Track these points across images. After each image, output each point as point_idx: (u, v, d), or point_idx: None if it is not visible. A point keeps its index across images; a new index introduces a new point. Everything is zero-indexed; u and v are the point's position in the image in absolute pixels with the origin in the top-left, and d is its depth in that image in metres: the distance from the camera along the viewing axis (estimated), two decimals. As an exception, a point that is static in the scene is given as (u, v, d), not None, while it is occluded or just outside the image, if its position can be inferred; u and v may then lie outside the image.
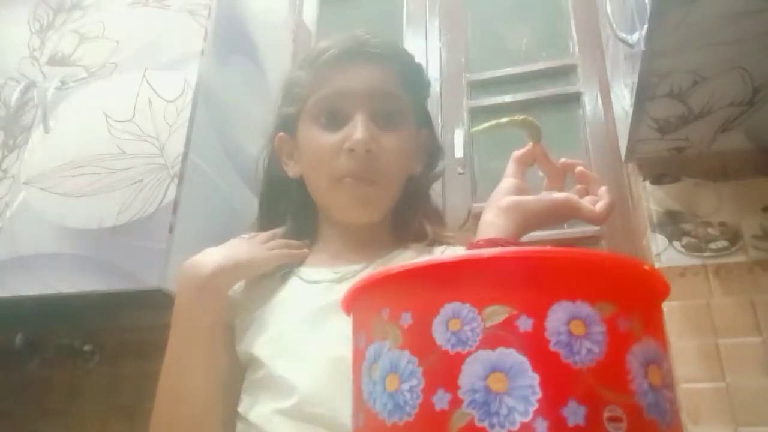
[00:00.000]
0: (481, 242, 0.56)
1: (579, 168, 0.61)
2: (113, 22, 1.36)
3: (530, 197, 0.58)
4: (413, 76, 0.81)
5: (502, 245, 0.55)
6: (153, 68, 1.24)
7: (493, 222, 0.57)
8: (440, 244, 0.79)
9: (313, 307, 0.68)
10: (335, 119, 0.74)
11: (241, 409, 0.67)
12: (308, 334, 0.67)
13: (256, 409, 0.65)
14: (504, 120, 0.62)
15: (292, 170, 0.79)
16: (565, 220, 0.60)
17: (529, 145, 0.63)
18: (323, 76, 0.75)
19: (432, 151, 0.84)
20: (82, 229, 1.12)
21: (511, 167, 0.62)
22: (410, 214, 0.80)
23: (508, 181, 0.61)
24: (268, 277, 0.75)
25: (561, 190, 0.61)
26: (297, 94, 0.78)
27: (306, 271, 0.75)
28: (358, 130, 0.71)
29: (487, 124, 0.63)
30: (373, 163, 0.72)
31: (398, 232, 0.80)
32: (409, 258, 0.76)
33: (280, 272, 0.75)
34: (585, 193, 0.60)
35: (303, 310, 0.69)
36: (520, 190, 0.60)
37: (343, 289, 0.67)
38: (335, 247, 0.77)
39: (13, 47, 1.43)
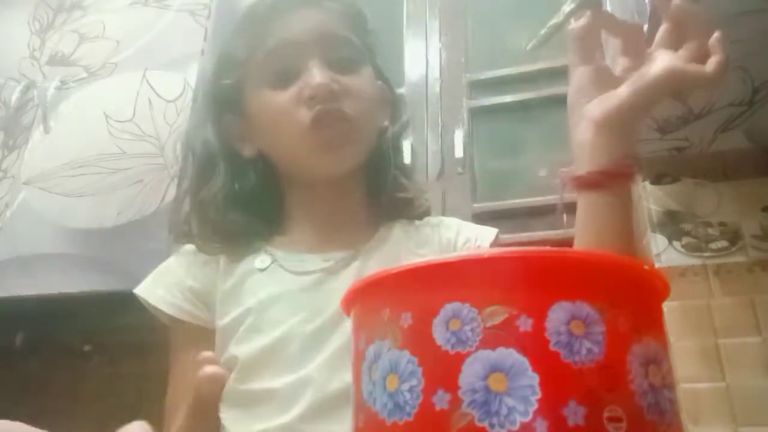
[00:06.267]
0: (593, 174, 0.47)
1: (675, 3, 0.46)
2: (113, 22, 1.36)
3: (625, 95, 0.47)
4: (358, 18, 0.72)
5: (620, 168, 0.47)
6: (153, 68, 1.24)
7: (594, 142, 0.47)
8: (423, 215, 0.73)
9: (307, 306, 0.62)
10: (286, 75, 0.65)
11: (228, 423, 0.59)
12: (306, 341, 0.60)
13: (247, 424, 0.58)
14: (554, 21, 0.48)
15: (247, 151, 0.69)
16: (673, 96, 0.49)
17: (587, 14, 0.48)
18: (261, 33, 0.66)
19: (394, 102, 0.75)
20: (82, 229, 1.12)
21: (576, 53, 0.50)
22: (384, 171, 0.71)
23: (581, 73, 0.49)
24: (246, 268, 0.66)
25: (641, 54, 0.48)
26: (234, 62, 0.68)
27: (290, 261, 0.65)
28: (314, 75, 0.62)
29: (542, 33, 0.50)
30: (340, 103, 0.63)
31: (374, 197, 0.72)
32: (397, 238, 0.70)
33: (262, 265, 0.66)
34: (673, 42, 0.47)
35: (297, 310, 0.62)
36: (601, 79, 0.49)
37: (335, 282, 0.63)
38: (313, 230, 0.69)
39: (13, 47, 1.43)
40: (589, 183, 0.50)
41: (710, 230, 1.09)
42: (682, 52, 0.47)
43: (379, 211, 0.72)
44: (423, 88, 1.57)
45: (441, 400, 0.29)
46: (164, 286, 0.67)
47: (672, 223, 1.12)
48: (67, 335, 1.34)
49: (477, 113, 1.54)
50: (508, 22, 1.70)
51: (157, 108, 1.19)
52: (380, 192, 0.72)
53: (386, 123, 0.73)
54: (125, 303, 1.20)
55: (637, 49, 0.49)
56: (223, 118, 0.70)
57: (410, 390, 0.30)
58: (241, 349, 0.61)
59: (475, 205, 1.40)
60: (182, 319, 0.65)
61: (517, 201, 1.40)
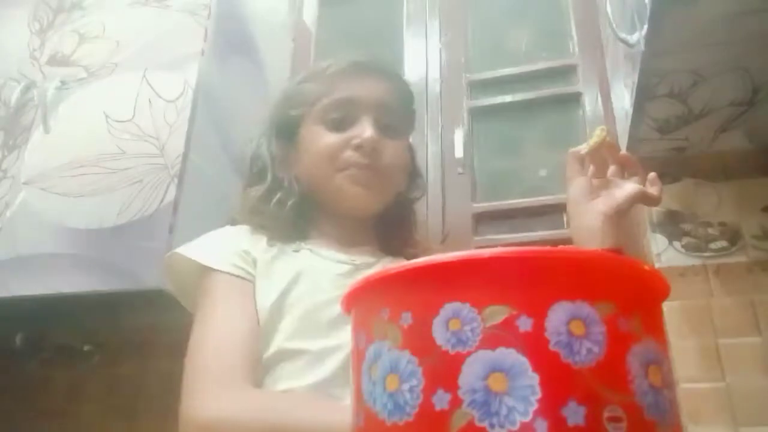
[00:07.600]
0: (605, 252, 0.60)
1: (621, 153, 0.70)
2: (113, 22, 1.36)
3: (621, 199, 0.65)
4: (409, 97, 0.88)
5: (619, 247, 0.63)
6: (153, 68, 1.24)
7: (603, 228, 0.64)
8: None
9: (341, 286, 0.67)
10: (342, 122, 0.79)
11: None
12: (339, 314, 0.67)
13: (278, 384, 0.65)
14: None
15: (285, 174, 0.81)
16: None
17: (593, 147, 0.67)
18: (333, 84, 0.81)
19: (413, 174, 0.90)
20: (82, 229, 1.12)
21: (573, 169, 0.69)
22: (397, 229, 0.86)
23: (578, 183, 0.67)
24: (283, 248, 0.75)
25: (606, 177, 0.69)
26: (303, 99, 0.82)
27: (322, 250, 0.77)
28: (367, 129, 0.77)
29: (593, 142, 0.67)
30: (377, 160, 0.78)
31: (385, 245, 0.84)
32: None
33: (297, 248, 0.76)
34: (621, 173, 0.69)
35: (334, 284, 0.70)
36: (588, 187, 0.67)
37: (366, 273, 0.70)
38: (338, 243, 0.79)
39: (13, 47, 1.43)
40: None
41: (710, 230, 1.09)
42: (636, 180, 0.68)
43: (385, 250, 0.84)
44: (423, 88, 1.57)
45: (441, 400, 0.29)
46: (220, 247, 0.74)
47: (672, 223, 1.12)
48: (67, 335, 1.33)
49: (477, 113, 1.54)
50: (508, 22, 1.70)
51: (157, 108, 1.19)
52: (389, 241, 0.86)
53: (403, 188, 0.86)
54: (125, 303, 1.21)
55: (603, 173, 0.69)
56: (276, 141, 0.83)
57: (410, 390, 0.30)
58: (278, 314, 0.68)
59: (475, 205, 1.40)
60: (236, 275, 0.71)
61: (517, 201, 1.40)
